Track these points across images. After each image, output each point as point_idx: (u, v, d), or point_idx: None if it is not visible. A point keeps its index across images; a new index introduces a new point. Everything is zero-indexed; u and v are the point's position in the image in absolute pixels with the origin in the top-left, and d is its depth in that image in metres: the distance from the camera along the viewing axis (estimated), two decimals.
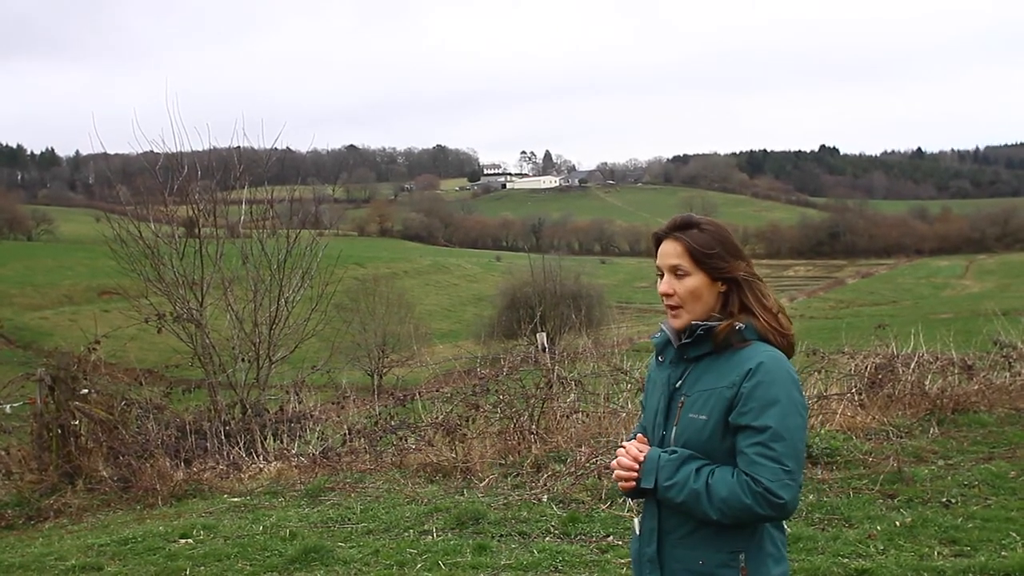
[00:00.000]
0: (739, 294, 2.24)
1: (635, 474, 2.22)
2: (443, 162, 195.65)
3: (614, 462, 2.29)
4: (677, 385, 2.27)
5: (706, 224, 2.26)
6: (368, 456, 7.70)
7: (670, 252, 2.25)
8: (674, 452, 2.19)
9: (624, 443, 2.30)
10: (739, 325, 2.20)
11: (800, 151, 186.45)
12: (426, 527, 5.67)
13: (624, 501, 5.77)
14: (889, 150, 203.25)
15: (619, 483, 2.27)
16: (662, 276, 2.28)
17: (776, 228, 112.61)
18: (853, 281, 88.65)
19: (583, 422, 7.64)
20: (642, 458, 2.22)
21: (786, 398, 2.11)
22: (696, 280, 2.23)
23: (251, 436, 8.34)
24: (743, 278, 2.23)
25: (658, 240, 2.31)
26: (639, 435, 2.32)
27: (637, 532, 2.37)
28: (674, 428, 2.24)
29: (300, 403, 9.37)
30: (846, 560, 4.65)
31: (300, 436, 8.52)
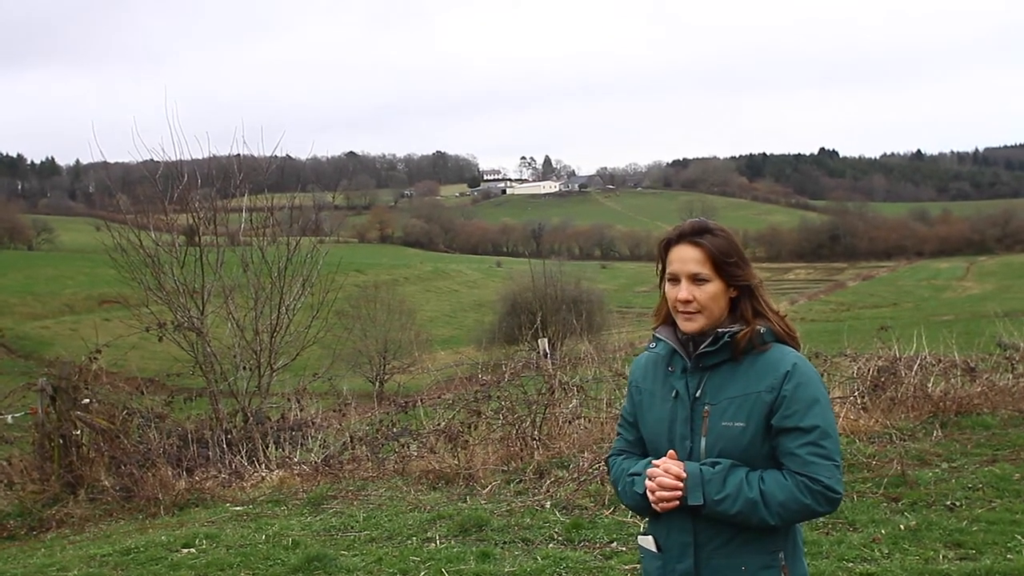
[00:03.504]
0: (751, 300, 2.23)
1: (679, 492, 2.14)
2: (443, 168, 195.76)
3: (649, 483, 2.19)
4: (697, 395, 2.22)
5: (719, 230, 2.24)
6: (370, 463, 7.69)
7: (689, 258, 2.20)
8: (716, 463, 2.15)
9: (655, 461, 2.22)
10: (761, 329, 2.20)
11: (800, 154, 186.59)
12: (429, 534, 5.65)
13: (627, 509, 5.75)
14: (888, 152, 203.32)
15: (659, 504, 2.17)
16: (674, 281, 2.23)
17: (776, 231, 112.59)
18: (854, 284, 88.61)
19: (585, 428, 7.63)
20: (684, 475, 2.15)
21: (823, 396, 2.17)
22: (715, 287, 2.20)
23: (253, 444, 8.33)
24: (755, 284, 2.24)
25: (668, 245, 2.26)
26: (672, 451, 2.22)
27: (654, 549, 2.30)
28: (703, 439, 2.19)
29: (302, 411, 9.38)
30: (851, 564, 4.63)
31: (302, 444, 8.51)
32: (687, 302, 2.20)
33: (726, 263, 2.19)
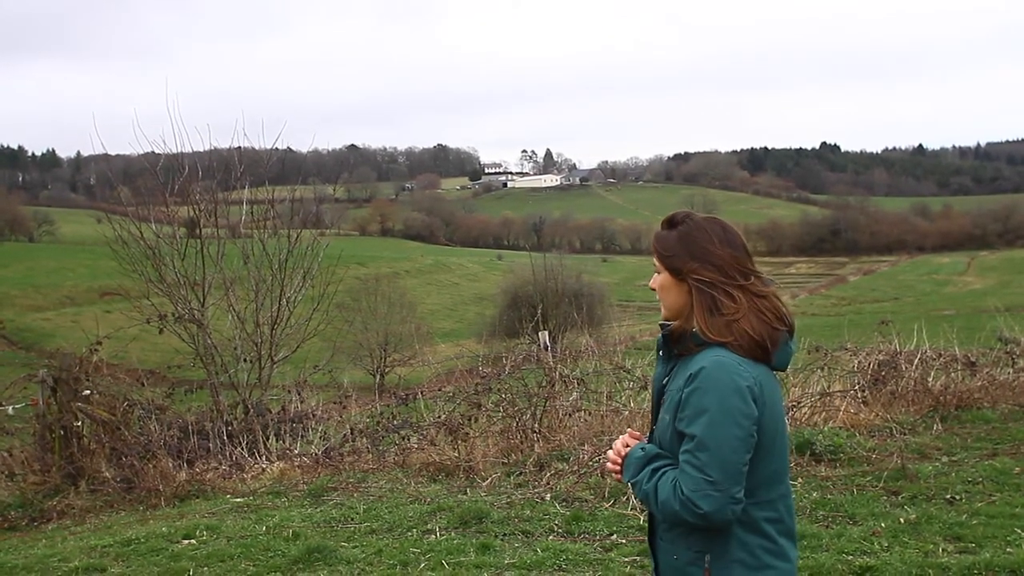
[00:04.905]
0: (692, 298, 2.24)
1: (618, 467, 2.32)
2: (444, 161, 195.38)
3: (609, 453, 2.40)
4: (664, 382, 2.31)
5: (686, 224, 2.28)
6: (371, 456, 7.70)
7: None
8: (643, 450, 2.26)
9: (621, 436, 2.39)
10: (694, 328, 2.21)
11: (801, 148, 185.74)
12: (429, 526, 5.66)
13: (628, 499, 5.77)
14: (890, 147, 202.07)
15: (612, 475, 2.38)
16: None
17: (777, 225, 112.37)
18: (855, 278, 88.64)
19: (586, 420, 7.63)
20: (624, 453, 2.31)
21: (718, 407, 2.08)
22: (662, 278, 2.30)
23: (253, 436, 8.33)
24: (692, 281, 2.22)
25: None
26: (630, 430, 2.40)
27: None
28: (656, 425, 2.32)
29: (302, 403, 9.38)
30: (850, 557, 4.64)
31: (302, 436, 8.52)
32: (652, 289, 2.34)
33: (664, 256, 2.28)
